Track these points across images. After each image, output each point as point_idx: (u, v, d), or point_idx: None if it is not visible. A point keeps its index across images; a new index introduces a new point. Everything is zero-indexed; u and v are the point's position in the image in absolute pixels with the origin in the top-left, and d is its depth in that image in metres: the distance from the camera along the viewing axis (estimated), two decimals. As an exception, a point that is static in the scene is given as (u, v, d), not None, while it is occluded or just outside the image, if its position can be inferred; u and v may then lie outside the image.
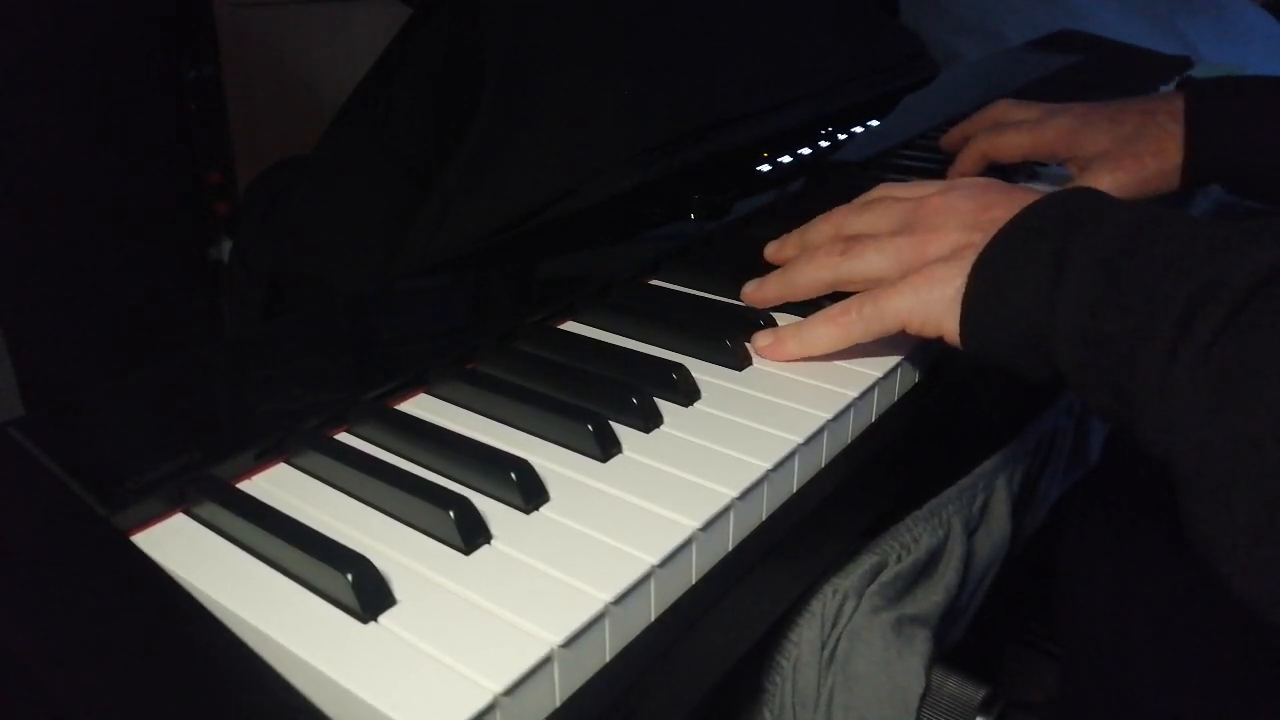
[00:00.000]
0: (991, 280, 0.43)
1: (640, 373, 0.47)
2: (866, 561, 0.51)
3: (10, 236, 0.80)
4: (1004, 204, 0.46)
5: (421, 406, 0.46)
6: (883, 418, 0.49)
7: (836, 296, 0.50)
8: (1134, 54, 1.18)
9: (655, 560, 0.35)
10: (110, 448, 0.39)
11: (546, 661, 0.31)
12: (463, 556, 0.35)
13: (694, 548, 0.37)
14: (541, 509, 0.38)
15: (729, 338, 0.49)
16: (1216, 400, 0.34)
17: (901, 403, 0.51)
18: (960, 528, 0.55)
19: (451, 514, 0.36)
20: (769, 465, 0.41)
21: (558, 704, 0.32)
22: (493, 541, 0.36)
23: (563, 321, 0.54)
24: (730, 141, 0.76)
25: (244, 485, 0.40)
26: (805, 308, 0.52)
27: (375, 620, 0.32)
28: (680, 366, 0.46)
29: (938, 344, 0.47)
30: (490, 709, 0.29)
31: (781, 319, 0.53)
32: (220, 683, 0.30)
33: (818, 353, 0.49)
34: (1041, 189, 0.47)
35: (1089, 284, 0.39)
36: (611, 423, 0.42)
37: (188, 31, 0.91)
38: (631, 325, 0.53)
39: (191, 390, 0.44)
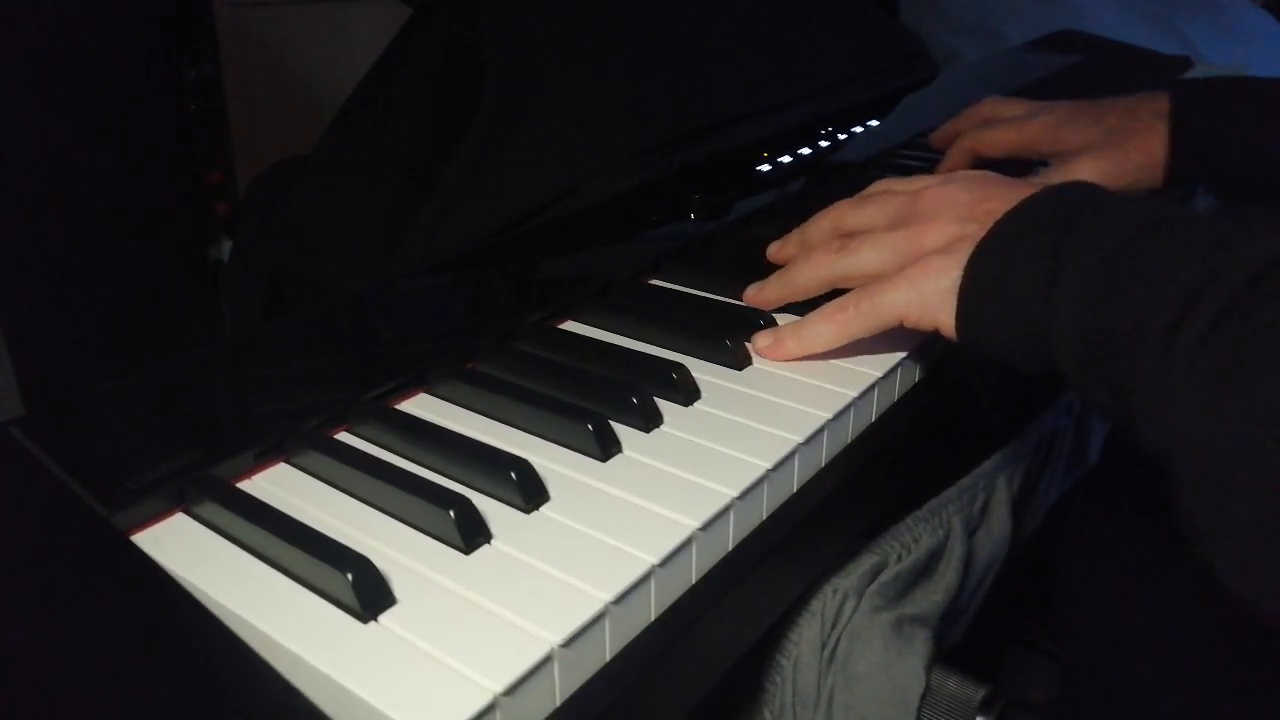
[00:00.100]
0: (988, 273, 0.43)
1: (640, 372, 0.47)
2: (866, 561, 0.51)
3: (10, 236, 0.80)
4: (1002, 196, 0.46)
5: (421, 406, 0.46)
6: (883, 417, 0.49)
7: (842, 294, 0.50)
8: (1134, 54, 1.17)
9: (655, 560, 0.35)
10: (110, 447, 0.39)
11: (546, 661, 0.31)
12: (463, 556, 0.35)
13: (694, 547, 0.37)
14: (541, 509, 0.38)
15: (729, 337, 0.49)
16: (1213, 393, 0.33)
17: (902, 402, 0.51)
18: (960, 528, 0.55)
19: (451, 513, 0.36)
20: (769, 465, 0.41)
21: (558, 704, 0.32)
22: (493, 541, 0.36)
23: (563, 321, 0.54)
24: (730, 141, 0.76)
25: (244, 485, 0.40)
26: (806, 307, 0.52)
27: (375, 620, 0.32)
28: (680, 366, 0.46)
29: (938, 342, 0.47)
30: (490, 709, 0.29)
31: (781, 318, 0.53)
32: (220, 682, 0.30)
33: (817, 350, 0.49)
34: (1041, 183, 0.47)
35: (1087, 279, 0.39)
36: (611, 422, 0.42)
37: (188, 31, 0.91)
38: (631, 325, 0.53)
39: (191, 390, 0.44)
